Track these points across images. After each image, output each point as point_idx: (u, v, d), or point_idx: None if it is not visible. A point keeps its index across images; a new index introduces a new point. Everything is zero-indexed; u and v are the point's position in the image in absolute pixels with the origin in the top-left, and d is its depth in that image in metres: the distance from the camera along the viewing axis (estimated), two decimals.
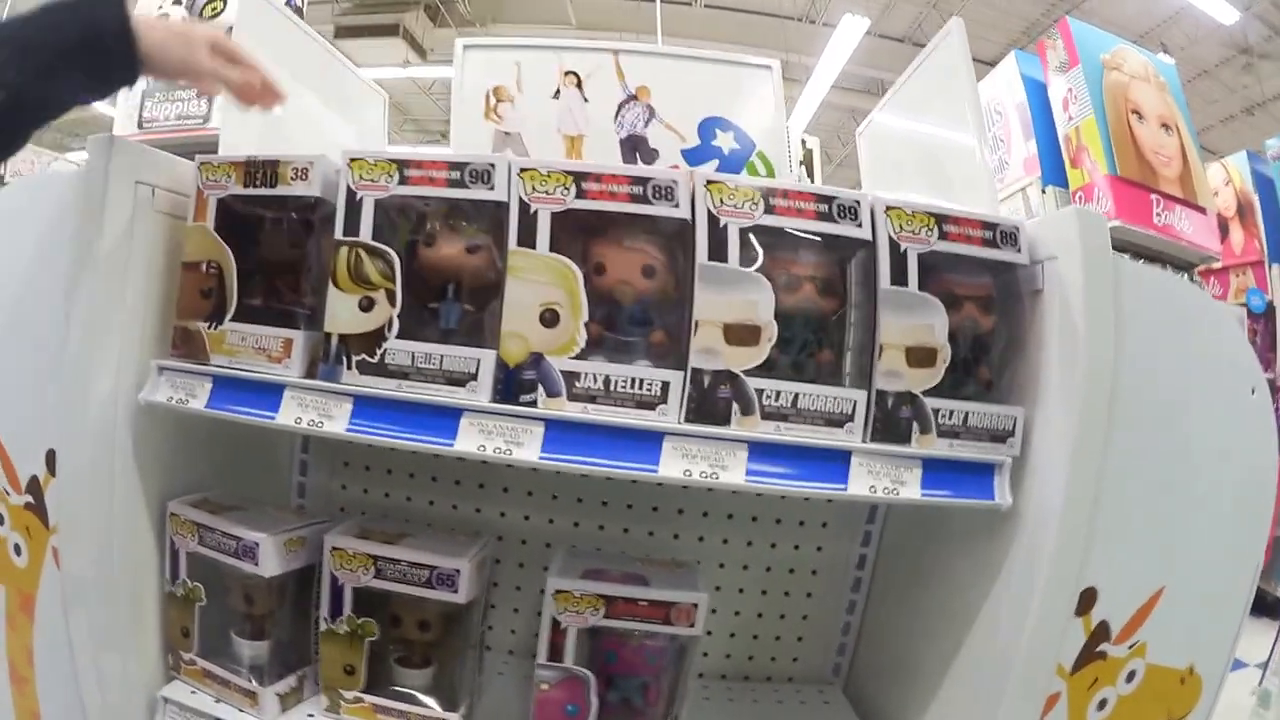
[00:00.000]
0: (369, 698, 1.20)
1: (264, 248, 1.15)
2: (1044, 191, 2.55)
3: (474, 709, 1.24)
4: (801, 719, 1.47)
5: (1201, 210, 2.52)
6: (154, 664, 1.26)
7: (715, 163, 1.71)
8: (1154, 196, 2.25)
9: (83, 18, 1.01)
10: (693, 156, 1.67)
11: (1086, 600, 1.08)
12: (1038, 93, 2.21)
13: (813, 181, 4.61)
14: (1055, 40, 1.98)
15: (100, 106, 1.90)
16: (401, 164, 1.08)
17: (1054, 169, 2.24)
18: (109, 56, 1.02)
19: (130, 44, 1.02)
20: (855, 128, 2.17)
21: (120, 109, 2.77)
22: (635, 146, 1.66)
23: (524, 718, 1.25)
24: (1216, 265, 3.70)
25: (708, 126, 1.68)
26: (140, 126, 2.68)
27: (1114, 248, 1.05)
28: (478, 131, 1.68)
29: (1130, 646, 1.14)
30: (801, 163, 4.71)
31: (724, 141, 1.68)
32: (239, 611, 1.24)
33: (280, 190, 1.13)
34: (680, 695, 1.22)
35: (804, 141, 5.07)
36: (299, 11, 2.82)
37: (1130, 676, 1.16)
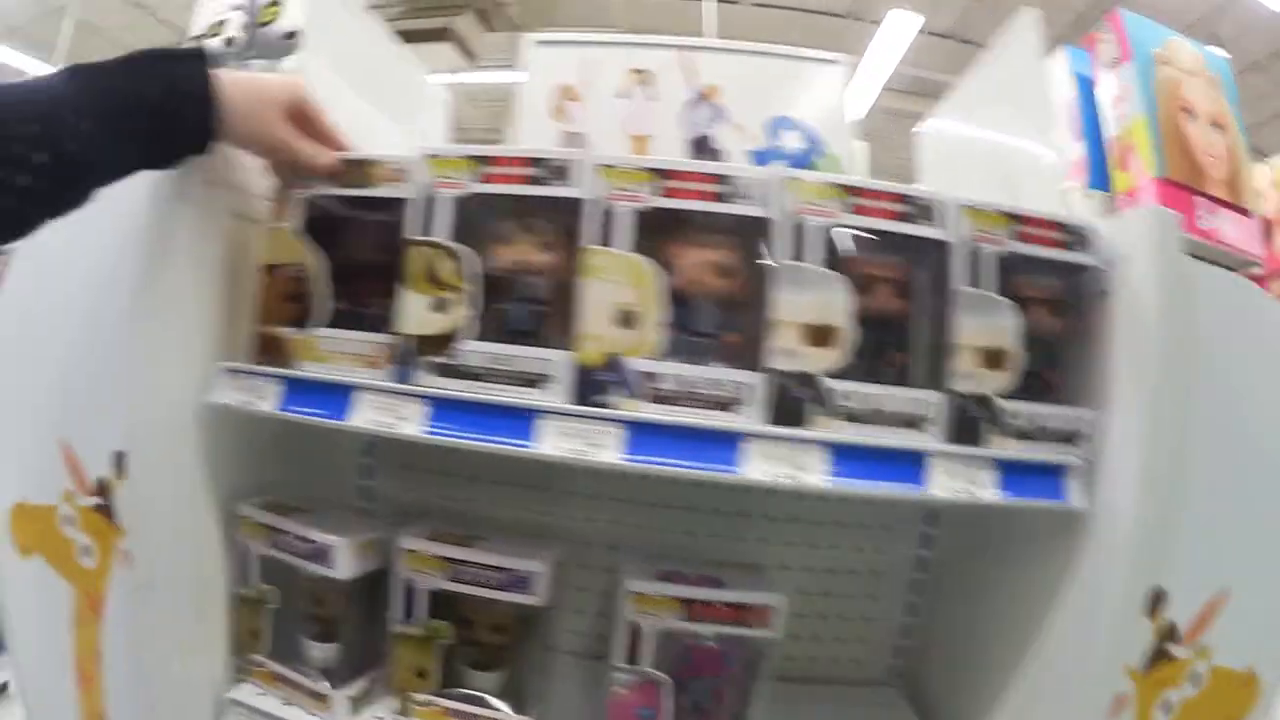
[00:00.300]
0: (440, 700, 1.20)
1: (351, 249, 1.14)
2: (1088, 196, 2.50)
3: (544, 712, 1.24)
4: None
5: (1246, 213, 2.46)
6: (222, 666, 1.26)
7: (784, 163, 1.65)
8: (1198, 199, 2.21)
9: (163, 71, 0.98)
10: (760, 157, 1.65)
11: (1156, 601, 1.07)
12: (1089, 91, 2.16)
13: None
14: (1107, 34, 1.93)
15: None
16: (480, 161, 1.07)
17: (1100, 172, 2.20)
18: (185, 115, 1.00)
19: (208, 103, 1.00)
20: (899, 132, 2.15)
21: None
22: (702, 147, 1.64)
23: None
24: (1258, 271, 3.61)
25: (775, 126, 1.65)
26: None
27: None
28: (544, 131, 1.66)
29: (1196, 648, 1.13)
30: None
31: (792, 141, 1.65)
32: (310, 614, 1.25)
33: (369, 191, 1.12)
34: (752, 698, 1.21)
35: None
36: None
37: (1196, 678, 1.15)
